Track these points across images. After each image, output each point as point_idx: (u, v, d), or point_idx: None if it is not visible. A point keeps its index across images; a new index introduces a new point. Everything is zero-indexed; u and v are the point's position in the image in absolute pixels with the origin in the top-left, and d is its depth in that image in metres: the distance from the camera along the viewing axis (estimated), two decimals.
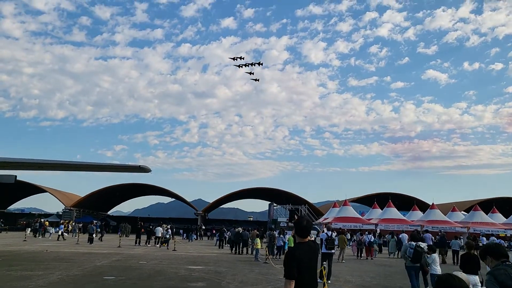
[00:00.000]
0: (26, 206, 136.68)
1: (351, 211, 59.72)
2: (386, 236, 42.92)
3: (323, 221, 55.47)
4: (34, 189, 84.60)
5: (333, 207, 64.64)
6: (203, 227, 71.54)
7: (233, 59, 67.18)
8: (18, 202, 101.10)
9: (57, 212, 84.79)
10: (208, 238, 63.76)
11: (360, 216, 60.97)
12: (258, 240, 28.69)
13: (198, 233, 64.50)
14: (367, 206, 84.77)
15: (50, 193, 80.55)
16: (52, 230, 54.00)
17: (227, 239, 42.27)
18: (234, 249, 34.75)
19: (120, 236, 44.35)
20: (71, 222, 68.32)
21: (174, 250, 33.44)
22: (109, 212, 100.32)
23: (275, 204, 63.49)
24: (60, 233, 47.96)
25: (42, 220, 61.41)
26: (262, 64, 70.30)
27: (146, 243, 40.43)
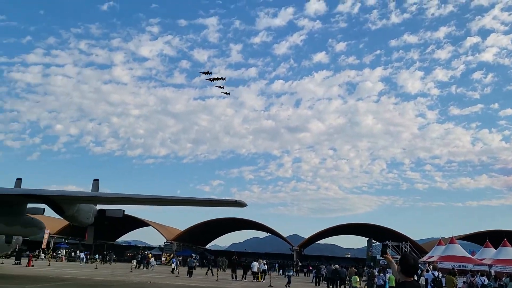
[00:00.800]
0: (132, 239, 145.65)
1: (459, 250, 54.85)
2: (503, 279, 38.59)
3: (427, 260, 51.64)
4: (139, 223, 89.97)
5: (438, 245, 59.91)
6: (300, 263, 70.36)
7: (204, 73, 72.16)
8: (125, 235, 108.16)
9: (160, 245, 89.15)
10: (305, 275, 62.43)
11: (470, 256, 55.80)
12: (357, 277, 27.45)
13: (294, 269, 63.59)
14: (477, 245, 77.44)
15: (153, 227, 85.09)
16: (154, 262, 56.57)
17: (324, 276, 41.07)
18: (331, 286, 33.60)
19: (217, 270, 45.14)
20: (171, 255, 71.22)
21: (270, 286, 33.11)
22: (207, 246, 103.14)
23: (373, 241, 60.75)
24: (173, 266, 48.60)
25: (146, 252, 64.84)
26: (225, 79, 73.60)
27: (242, 278, 40.63)
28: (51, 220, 54.36)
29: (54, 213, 24.64)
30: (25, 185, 28.41)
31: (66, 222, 60.37)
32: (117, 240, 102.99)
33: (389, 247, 57.68)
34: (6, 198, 23.07)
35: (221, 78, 73.65)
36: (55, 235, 76.95)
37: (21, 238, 33.63)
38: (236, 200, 21.84)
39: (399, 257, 4.98)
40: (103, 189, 28.07)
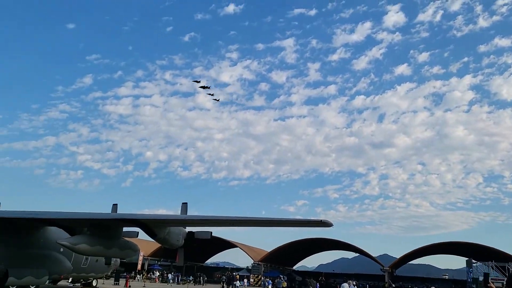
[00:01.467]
0: (220, 260, 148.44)
1: None
2: None
3: None
4: (227, 245, 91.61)
5: None
6: (392, 285, 67.02)
7: (196, 81, 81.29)
8: (214, 256, 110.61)
9: (247, 267, 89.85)
10: None
11: None
12: None
13: None
14: None
15: (240, 248, 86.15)
16: (239, 283, 56.85)
17: None
18: None
19: None
20: (259, 276, 71.34)
21: None
22: (294, 267, 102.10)
23: (474, 261, 56.19)
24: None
25: (234, 273, 65.61)
26: (209, 87, 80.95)
27: None
28: (145, 243, 57.18)
29: (148, 236, 25.77)
30: (121, 210, 30.18)
31: (158, 245, 63.15)
32: (206, 262, 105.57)
33: (492, 268, 52.98)
34: (105, 222, 24.54)
35: (207, 87, 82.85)
36: (148, 257, 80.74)
37: (118, 260, 35.60)
38: (321, 220, 21.31)
39: (505, 278, 4.42)
40: (191, 212, 28.87)
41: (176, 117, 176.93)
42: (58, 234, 26.14)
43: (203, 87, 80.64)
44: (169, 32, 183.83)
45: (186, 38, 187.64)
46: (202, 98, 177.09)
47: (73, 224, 25.28)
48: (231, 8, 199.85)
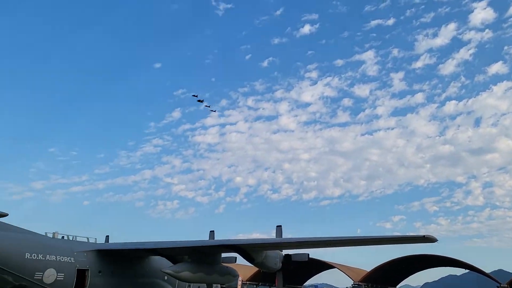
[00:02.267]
0: (318, 282, 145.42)
1: None
2: None
3: None
4: (324, 266, 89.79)
5: None
6: None
7: (195, 96, 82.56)
8: (311, 278, 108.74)
9: (347, 287, 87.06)
10: None
11: None
12: None
13: None
14: None
15: (338, 268, 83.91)
16: None
17: None
18: None
19: None
20: None
21: None
22: (397, 286, 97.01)
23: None
24: None
25: None
26: (203, 101, 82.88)
27: None
28: (243, 267, 57.94)
29: (245, 260, 26.03)
30: (217, 236, 30.92)
31: (256, 269, 63.63)
32: (304, 284, 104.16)
33: None
34: (205, 249, 25.29)
35: (201, 100, 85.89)
36: (247, 282, 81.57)
37: (219, 286, 36.31)
38: (424, 236, 20.05)
39: None
40: (286, 234, 28.78)
41: (261, 141, 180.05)
42: (161, 262, 27.35)
43: (200, 101, 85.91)
44: (248, 59, 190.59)
45: (265, 63, 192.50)
46: (285, 120, 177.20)
47: (174, 253, 26.34)
48: (306, 29, 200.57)
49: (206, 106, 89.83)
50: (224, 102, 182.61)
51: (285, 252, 28.58)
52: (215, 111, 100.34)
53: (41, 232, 24.46)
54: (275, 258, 27.03)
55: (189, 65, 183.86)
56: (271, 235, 29.11)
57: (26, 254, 21.32)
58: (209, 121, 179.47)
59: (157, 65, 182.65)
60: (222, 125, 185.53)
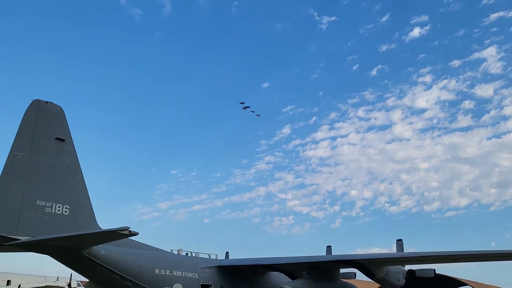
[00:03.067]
0: None
1: None
2: None
3: None
4: (454, 283, 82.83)
5: None
6: None
7: (242, 103, 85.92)
8: None
9: None
10: None
11: None
12: None
13: None
14: None
15: (472, 286, 76.73)
16: None
17: None
18: None
19: None
20: None
21: None
22: None
23: None
24: None
25: None
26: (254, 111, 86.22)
27: None
28: (364, 284, 55.89)
29: (365, 276, 25.07)
30: (334, 251, 30.28)
31: (378, 285, 60.86)
32: None
33: None
34: (323, 265, 24.93)
35: (248, 106, 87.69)
36: None
37: None
38: None
39: None
40: (407, 249, 27.16)
41: (375, 152, 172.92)
42: (279, 278, 27.52)
43: (245, 108, 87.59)
44: (355, 70, 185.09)
45: (374, 72, 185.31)
46: (400, 128, 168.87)
47: (293, 268, 26.33)
48: (416, 32, 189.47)
49: (251, 111, 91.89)
50: (333, 115, 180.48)
51: (408, 267, 26.98)
52: (259, 115, 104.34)
53: (167, 249, 26.14)
54: (397, 274, 25.63)
55: (296, 81, 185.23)
56: (391, 249, 27.75)
57: (156, 269, 22.92)
58: (319, 135, 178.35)
59: (265, 85, 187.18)
60: (333, 138, 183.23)
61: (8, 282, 52.56)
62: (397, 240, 27.60)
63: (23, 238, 17.94)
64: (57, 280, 55.66)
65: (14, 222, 18.06)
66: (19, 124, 19.67)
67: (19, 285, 52.68)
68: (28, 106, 20.09)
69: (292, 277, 25.94)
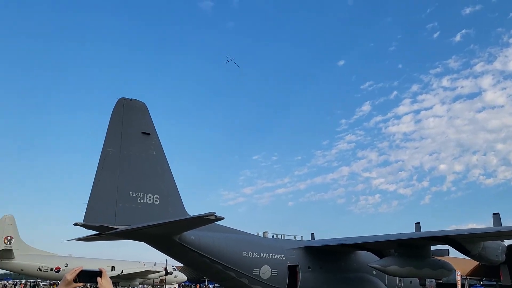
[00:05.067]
0: None
1: None
2: None
3: None
4: None
5: None
6: None
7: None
8: None
9: None
10: None
11: None
12: None
13: None
14: None
15: None
16: None
17: None
18: None
19: None
20: None
21: None
22: None
23: None
24: None
25: None
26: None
27: None
28: (461, 261, 53.21)
29: (459, 253, 23.95)
30: (424, 228, 29.17)
31: (476, 262, 57.72)
32: None
33: None
34: (412, 242, 24.16)
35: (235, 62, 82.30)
36: (467, 277, 74.58)
37: (433, 280, 34.09)
38: None
39: None
40: (506, 223, 25.33)
41: (464, 123, 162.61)
42: (367, 257, 27.12)
43: (229, 60, 79.88)
44: (436, 38, 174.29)
45: (458, 38, 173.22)
46: (491, 95, 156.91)
47: (380, 247, 25.82)
48: None
49: (234, 63, 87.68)
50: (415, 88, 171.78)
51: (507, 242, 25.30)
52: (239, 67, 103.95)
53: (253, 232, 26.83)
54: (495, 249, 24.13)
55: (373, 56, 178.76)
56: (488, 225, 26.08)
57: (243, 252, 23.65)
58: (401, 109, 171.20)
59: (341, 63, 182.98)
60: (417, 112, 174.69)
61: (112, 268, 57.24)
62: (494, 214, 25.90)
63: (120, 227, 19.41)
64: (155, 265, 59.49)
65: (112, 213, 19.59)
66: (108, 122, 21.16)
67: (122, 271, 57.21)
68: (115, 105, 21.52)
69: (380, 255, 25.42)
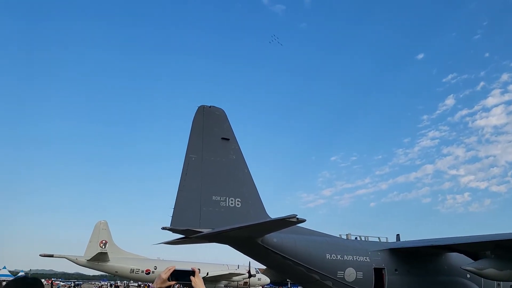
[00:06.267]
0: None
1: None
2: None
3: None
4: None
5: None
6: None
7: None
8: None
9: None
10: None
11: None
12: None
13: None
14: None
15: None
16: None
17: None
18: None
19: None
20: None
21: None
22: None
23: None
24: None
25: None
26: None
27: None
28: None
29: None
30: None
31: None
32: None
33: None
34: (510, 243, 22.45)
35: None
36: None
37: None
38: None
39: None
40: None
41: None
42: (460, 259, 25.58)
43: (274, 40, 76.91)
44: None
45: None
46: None
47: (475, 248, 24.21)
48: None
49: (278, 42, 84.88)
50: (505, 77, 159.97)
51: None
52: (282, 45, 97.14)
53: (335, 234, 26.39)
54: None
55: (455, 46, 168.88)
56: None
57: (327, 254, 23.35)
58: (490, 101, 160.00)
59: (420, 56, 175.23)
60: (508, 103, 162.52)
61: (199, 271, 59.21)
62: None
63: (205, 231, 20.04)
64: (238, 268, 60.67)
65: (196, 217, 20.31)
66: (190, 129, 22.00)
67: (207, 273, 59.02)
68: (196, 112, 22.33)
69: (475, 258, 23.83)
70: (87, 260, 54.81)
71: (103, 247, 56.66)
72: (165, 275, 3.03)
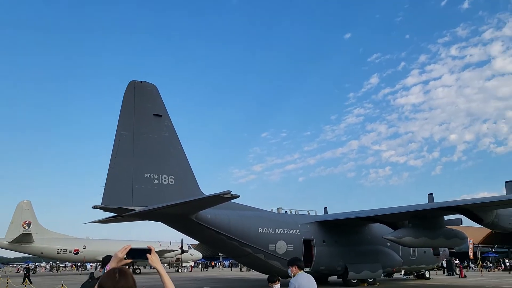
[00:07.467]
0: None
1: None
2: None
3: None
4: None
5: None
6: None
7: None
8: None
9: None
10: None
11: None
12: None
13: None
14: None
15: None
16: None
17: None
18: None
19: None
20: None
21: None
22: None
23: None
24: None
25: None
26: None
27: None
28: (471, 229, 53.57)
29: (472, 222, 24.15)
30: (437, 199, 29.32)
31: (488, 231, 57.95)
32: None
33: None
34: (425, 213, 24.36)
35: None
36: (479, 245, 75.02)
37: (447, 249, 34.48)
38: None
39: None
40: None
41: (474, 91, 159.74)
42: (381, 229, 27.42)
43: None
44: (444, 5, 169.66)
45: (465, 5, 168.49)
46: (501, 62, 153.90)
47: (394, 219, 26.06)
48: None
49: None
50: (423, 58, 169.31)
51: None
52: None
53: (267, 209, 27.19)
54: (508, 217, 24.25)
55: (379, 27, 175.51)
56: (501, 193, 26.14)
57: (259, 228, 24.06)
58: (409, 80, 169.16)
59: (347, 36, 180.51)
60: (425, 82, 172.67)
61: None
62: (507, 182, 25.91)
63: (138, 208, 19.80)
64: (170, 244, 60.52)
65: (128, 195, 19.96)
66: (120, 106, 21.30)
67: None
68: (126, 88, 21.61)
69: (394, 227, 25.71)
70: (9, 242, 51.96)
71: (27, 228, 53.92)
72: (121, 254, 3.11)
